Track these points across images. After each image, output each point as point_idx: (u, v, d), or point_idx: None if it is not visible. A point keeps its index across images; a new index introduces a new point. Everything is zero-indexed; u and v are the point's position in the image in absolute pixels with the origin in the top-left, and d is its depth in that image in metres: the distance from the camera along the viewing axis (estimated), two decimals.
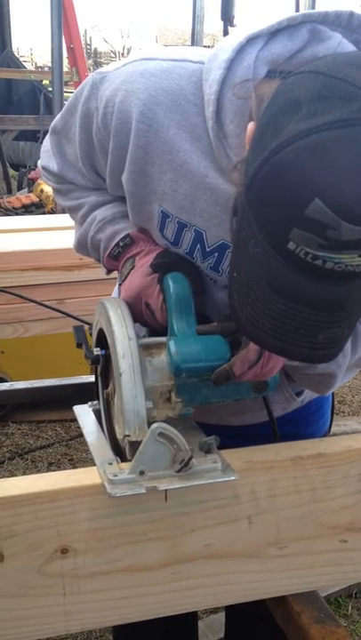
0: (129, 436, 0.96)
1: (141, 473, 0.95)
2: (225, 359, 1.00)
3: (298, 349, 0.86)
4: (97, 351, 1.09)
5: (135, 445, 0.96)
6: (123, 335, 1.00)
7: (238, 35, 0.99)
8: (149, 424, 0.96)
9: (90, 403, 1.22)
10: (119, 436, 1.02)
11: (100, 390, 1.16)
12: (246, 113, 0.95)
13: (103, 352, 1.09)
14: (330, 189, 0.73)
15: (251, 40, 0.97)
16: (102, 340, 1.08)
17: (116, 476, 0.95)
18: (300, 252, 0.77)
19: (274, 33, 0.97)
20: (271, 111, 0.81)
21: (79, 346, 1.13)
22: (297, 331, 0.84)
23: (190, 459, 0.95)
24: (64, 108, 1.19)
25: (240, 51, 0.98)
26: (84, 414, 1.21)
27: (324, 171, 0.73)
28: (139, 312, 1.10)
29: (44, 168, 1.28)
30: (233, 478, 0.98)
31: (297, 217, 0.75)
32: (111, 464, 0.99)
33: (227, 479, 0.98)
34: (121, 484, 0.94)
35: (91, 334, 1.17)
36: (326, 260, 0.76)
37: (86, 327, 1.22)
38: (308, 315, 0.83)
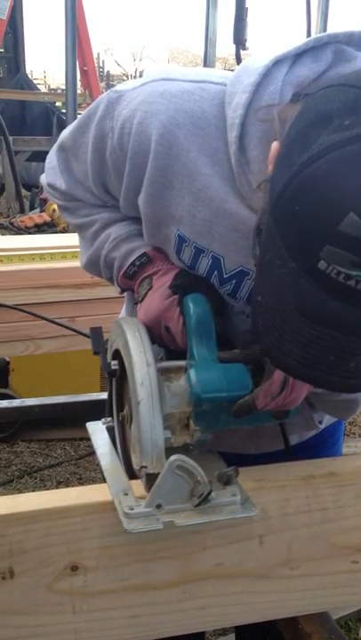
0: (146, 467, 0.93)
1: (158, 506, 0.92)
2: (247, 389, 0.96)
3: (328, 377, 0.79)
4: (114, 365, 1.05)
5: (152, 477, 0.92)
6: (141, 361, 0.95)
7: (263, 56, 0.96)
8: (167, 452, 0.92)
9: (103, 420, 1.18)
10: (135, 466, 0.98)
11: (114, 409, 1.12)
12: (271, 139, 0.90)
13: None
14: None
15: (277, 62, 0.95)
16: (119, 359, 1.05)
17: (133, 509, 0.92)
18: (331, 271, 0.72)
19: (299, 54, 0.95)
20: (298, 127, 0.78)
21: (96, 353, 1.09)
22: (327, 357, 0.78)
23: (209, 493, 0.91)
24: (74, 125, 1.15)
25: (266, 74, 0.95)
26: (98, 433, 1.17)
27: (360, 183, 0.70)
28: (158, 335, 1.07)
29: (49, 185, 1.24)
30: (253, 514, 0.95)
31: (329, 233, 0.70)
32: (127, 494, 0.96)
33: (246, 515, 0.95)
34: (137, 517, 0.91)
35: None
36: (360, 279, 0.72)
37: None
38: (339, 340, 0.77)
